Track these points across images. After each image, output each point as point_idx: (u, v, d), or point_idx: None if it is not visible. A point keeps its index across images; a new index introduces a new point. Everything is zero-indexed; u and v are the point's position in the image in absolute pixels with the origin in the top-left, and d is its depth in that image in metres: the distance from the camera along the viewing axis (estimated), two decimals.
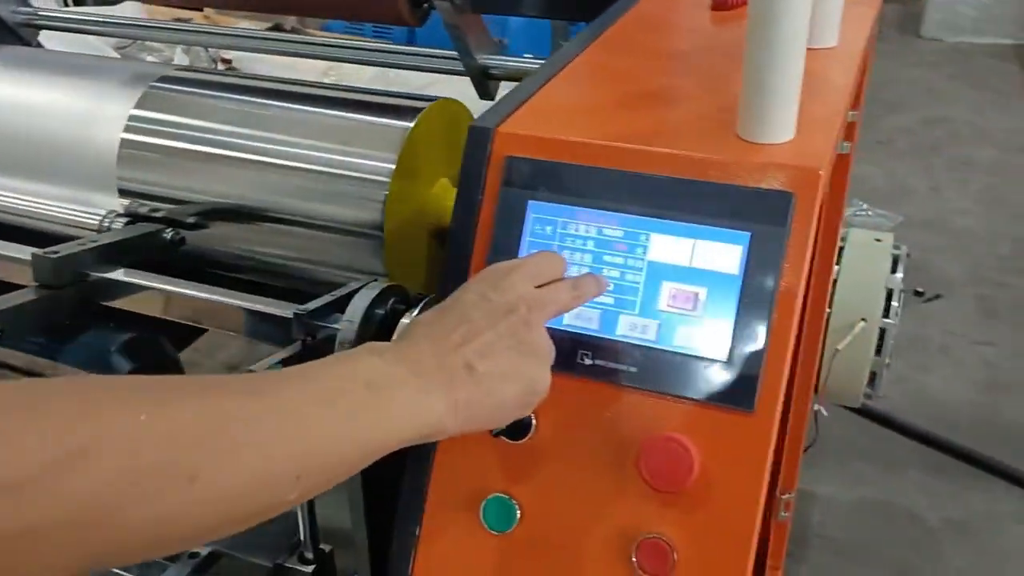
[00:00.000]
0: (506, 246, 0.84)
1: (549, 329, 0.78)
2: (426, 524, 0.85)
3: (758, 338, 0.76)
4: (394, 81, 3.04)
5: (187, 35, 1.80)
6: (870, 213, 3.71)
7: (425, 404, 0.68)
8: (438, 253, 1.29)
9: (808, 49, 1.01)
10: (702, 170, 0.79)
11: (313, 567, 1.22)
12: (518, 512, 0.81)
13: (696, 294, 0.78)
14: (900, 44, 5.51)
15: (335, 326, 0.98)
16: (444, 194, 1.25)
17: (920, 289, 3.12)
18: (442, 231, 1.27)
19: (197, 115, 1.28)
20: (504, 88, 1.39)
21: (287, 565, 1.26)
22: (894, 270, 1.85)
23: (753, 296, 0.77)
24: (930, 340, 2.88)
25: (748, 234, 0.77)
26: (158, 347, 1.53)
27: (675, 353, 0.78)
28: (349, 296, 1.02)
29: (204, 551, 1.33)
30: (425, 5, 1.24)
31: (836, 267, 1.84)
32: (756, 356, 0.76)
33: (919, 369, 2.73)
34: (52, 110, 1.37)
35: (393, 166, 1.16)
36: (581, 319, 0.82)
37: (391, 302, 0.98)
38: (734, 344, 0.77)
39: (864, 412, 2.41)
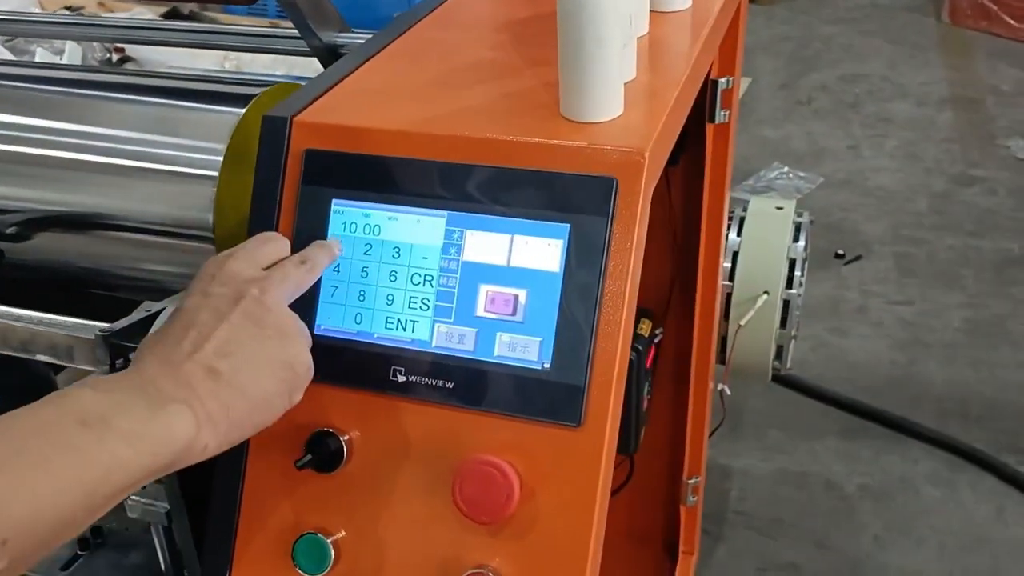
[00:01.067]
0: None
1: (358, 343, 0.71)
2: (235, 570, 0.75)
3: (582, 343, 0.68)
4: (298, 65, 2.90)
5: (67, 28, 1.63)
6: (791, 176, 3.68)
7: (163, 426, 0.59)
8: None
9: (656, 12, 0.92)
10: (516, 156, 0.70)
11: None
12: (332, 551, 0.72)
13: (516, 296, 0.70)
14: (818, 1, 5.49)
15: None
16: None
17: (840, 251, 3.09)
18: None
19: (7, 111, 1.15)
20: None
21: None
22: (796, 239, 1.79)
23: (575, 296, 0.68)
24: (848, 302, 2.85)
25: (567, 226, 0.69)
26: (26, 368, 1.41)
27: (494, 364, 0.70)
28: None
29: None
30: None
31: (737, 239, 1.78)
32: (581, 364, 0.68)
33: (837, 332, 2.70)
34: None
35: (220, 159, 1.05)
36: (394, 329, 0.72)
37: None
38: (556, 351, 0.68)
39: (779, 379, 2.37)
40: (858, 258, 3.10)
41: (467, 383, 0.70)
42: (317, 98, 0.79)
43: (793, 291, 1.75)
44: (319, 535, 0.72)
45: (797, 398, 2.41)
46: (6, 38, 3.53)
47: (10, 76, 1.20)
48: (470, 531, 0.69)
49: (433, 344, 0.71)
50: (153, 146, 1.09)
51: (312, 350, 0.70)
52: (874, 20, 5.14)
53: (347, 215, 0.74)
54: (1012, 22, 4.65)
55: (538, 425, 0.68)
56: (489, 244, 0.70)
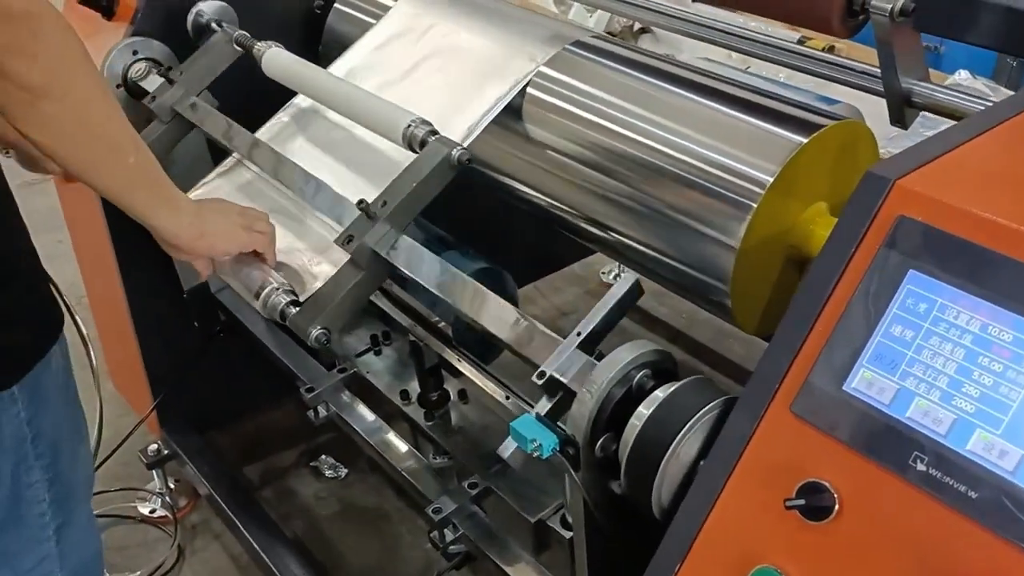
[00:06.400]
0: (866, 309, 0.75)
1: (885, 415, 0.73)
2: (683, 571, 0.80)
3: None
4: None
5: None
6: None
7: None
8: (789, 280, 1.20)
9: None
10: None
11: (572, 534, 1.23)
12: None
13: None
14: None
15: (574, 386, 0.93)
16: (815, 220, 1.15)
17: None
18: (801, 259, 1.18)
19: (599, 86, 1.30)
20: (924, 121, 1.25)
21: (549, 524, 1.29)
22: None
23: None
24: None
25: None
26: (501, 280, 1.63)
27: None
28: (595, 335, 0.96)
29: (482, 484, 1.41)
30: (860, 17, 1.12)
31: None
32: None
33: None
34: (465, 48, 1.46)
35: (770, 179, 1.09)
36: (928, 417, 0.71)
37: (641, 375, 0.90)
38: None
39: None
40: None
41: (995, 502, 0.67)
42: (920, 166, 0.78)
43: None
44: (778, 571, 0.74)
45: None
46: None
47: (611, 54, 1.34)
48: None
49: (967, 447, 0.69)
50: (703, 146, 1.16)
51: (835, 407, 0.72)
52: None
53: (919, 290, 0.73)
54: None
55: None
56: None
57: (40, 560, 1.07)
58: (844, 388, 0.75)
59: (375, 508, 2.07)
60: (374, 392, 1.61)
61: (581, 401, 0.88)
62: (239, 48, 1.51)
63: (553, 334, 1.00)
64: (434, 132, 1.23)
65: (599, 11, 3.96)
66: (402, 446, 1.58)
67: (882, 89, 1.17)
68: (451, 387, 1.54)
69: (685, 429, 0.82)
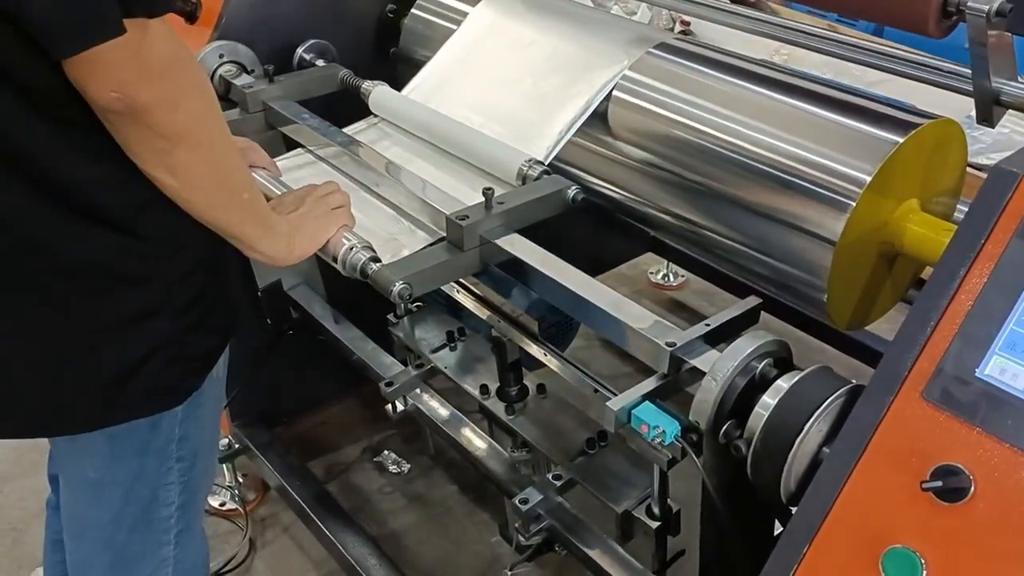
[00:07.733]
0: (997, 301, 0.78)
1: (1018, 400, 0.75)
2: (809, 555, 0.83)
3: None
4: (843, 70, 2.87)
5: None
6: None
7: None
8: (879, 275, 1.23)
9: None
10: None
11: (658, 524, 1.26)
12: (924, 573, 0.77)
13: None
14: None
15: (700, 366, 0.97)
16: (907, 217, 1.18)
17: None
18: (891, 254, 1.21)
19: (686, 89, 1.33)
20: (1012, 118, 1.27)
21: (635, 514, 1.32)
22: None
23: None
24: None
25: None
26: None
27: None
28: (722, 329, 1.02)
29: (566, 476, 1.44)
30: (955, 18, 1.15)
31: None
32: None
33: None
34: (550, 53, 1.49)
35: (869, 178, 1.12)
36: None
37: (763, 364, 0.93)
38: None
39: None
40: None
41: None
42: None
43: None
44: (914, 552, 0.77)
45: None
46: None
47: (697, 56, 1.37)
48: None
49: None
50: (800, 148, 1.19)
51: (967, 394, 0.75)
52: None
53: None
54: None
55: None
56: None
57: (159, 564, 1.11)
58: (977, 374, 0.78)
59: (439, 503, 2.11)
60: (446, 387, 1.64)
61: (706, 388, 0.91)
62: (342, 84, 1.64)
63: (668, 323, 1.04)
64: (548, 172, 1.30)
65: (642, 8, 3.97)
66: (481, 440, 1.61)
67: (937, 80, 1.21)
68: (528, 381, 1.57)
69: (814, 416, 0.85)
